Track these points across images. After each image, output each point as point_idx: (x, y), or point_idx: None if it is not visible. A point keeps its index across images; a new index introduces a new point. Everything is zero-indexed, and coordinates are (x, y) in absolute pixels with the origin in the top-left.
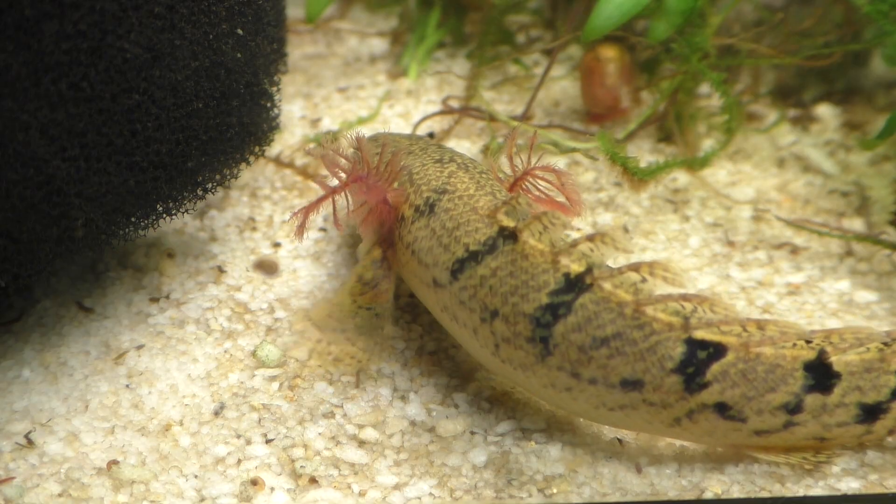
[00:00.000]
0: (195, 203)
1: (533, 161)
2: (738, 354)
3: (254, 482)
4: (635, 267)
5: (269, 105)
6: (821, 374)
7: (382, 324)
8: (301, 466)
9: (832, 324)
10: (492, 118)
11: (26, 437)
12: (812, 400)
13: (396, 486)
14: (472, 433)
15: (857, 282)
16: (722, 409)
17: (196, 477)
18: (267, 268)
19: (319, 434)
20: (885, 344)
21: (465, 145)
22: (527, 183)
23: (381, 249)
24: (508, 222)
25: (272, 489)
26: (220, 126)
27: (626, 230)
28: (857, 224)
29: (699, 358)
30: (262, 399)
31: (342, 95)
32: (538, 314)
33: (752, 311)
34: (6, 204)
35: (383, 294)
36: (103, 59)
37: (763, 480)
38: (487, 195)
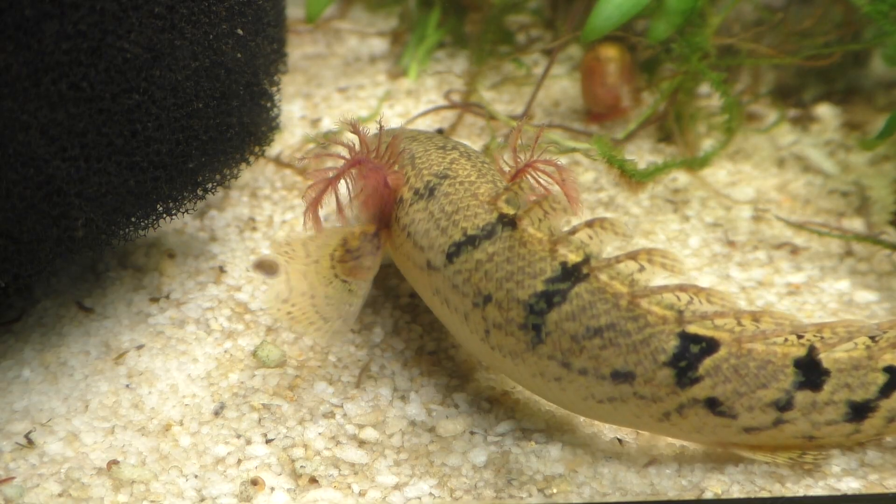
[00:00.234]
0: (195, 203)
1: (535, 156)
2: (731, 350)
3: (254, 482)
4: (633, 255)
5: (269, 105)
6: (811, 370)
7: (352, 301)
8: (301, 466)
9: None
10: (491, 118)
11: (26, 437)
12: (802, 397)
13: (396, 486)
14: (472, 433)
15: (857, 282)
16: (713, 404)
17: (196, 477)
18: (267, 268)
19: (319, 434)
20: (873, 340)
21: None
22: (528, 176)
23: (376, 227)
24: (508, 209)
25: (272, 489)
26: (220, 126)
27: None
28: (857, 224)
29: (692, 352)
30: (262, 399)
31: (342, 95)
32: (532, 301)
33: None
34: (6, 204)
35: (365, 271)
36: (103, 59)
37: (763, 480)
38: (489, 183)
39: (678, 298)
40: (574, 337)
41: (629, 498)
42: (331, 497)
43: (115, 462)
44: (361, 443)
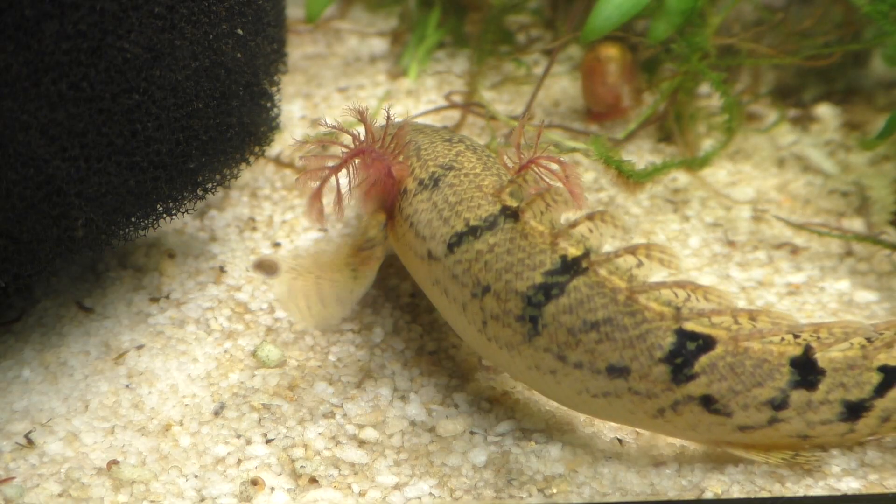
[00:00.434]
0: (195, 203)
1: (538, 153)
2: (727, 348)
3: (254, 482)
4: (632, 249)
5: (269, 105)
6: (806, 369)
7: (354, 289)
8: (301, 466)
9: None
10: (492, 118)
11: (26, 437)
12: (797, 396)
13: (396, 486)
14: (472, 433)
15: (857, 282)
16: (708, 402)
17: (196, 477)
18: (267, 268)
19: (319, 434)
20: (869, 340)
21: None
22: (531, 172)
23: (385, 215)
24: (512, 202)
25: (272, 489)
26: (220, 126)
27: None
28: (857, 224)
29: (688, 349)
30: (262, 399)
31: (342, 95)
32: (530, 293)
33: None
34: (6, 204)
35: (374, 260)
36: (103, 59)
37: (763, 480)
38: (494, 175)
39: (676, 295)
40: (571, 330)
41: (629, 498)
42: (331, 497)
43: (115, 462)
44: (361, 443)
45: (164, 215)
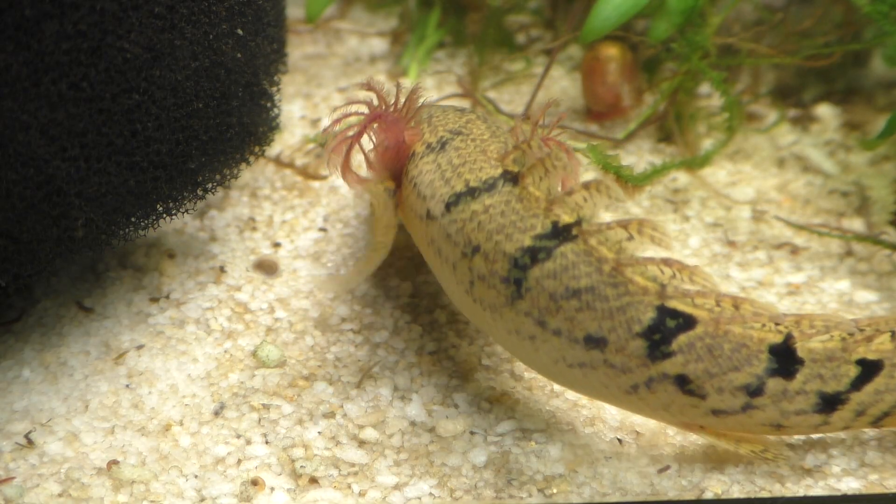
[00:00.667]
0: (195, 203)
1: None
2: (707, 329)
3: (254, 482)
4: (624, 223)
5: (269, 105)
6: (785, 358)
7: (373, 257)
8: (301, 466)
9: None
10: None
11: (26, 437)
12: (774, 384)
13: (396, 486)
14: (472, 433)
15: (857, 282)
16: (682, 381)
17: (196, 477)
18: (267, 268)
19: (319, 434)
20: (850, 333)
21: None
22: (537, 142)
23: (393, 183)
24: (514, 168)
25: (272, 489)
26: (220, 126)
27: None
28: (857, 224)
29: (667, 326)
30: (262, 399)
31: (342, 95)
32: (518, 255)
33: None
34: (6, 204)
35: (389, 228)
36: (103, 59)
37: (763, 480)
38: (500, 143)
39: (661, 272)
40: (552, 295)
41: (629, 498)
42: (331, 497)
43: (115, 462)
44: (361, 443)
45: (164, 215)
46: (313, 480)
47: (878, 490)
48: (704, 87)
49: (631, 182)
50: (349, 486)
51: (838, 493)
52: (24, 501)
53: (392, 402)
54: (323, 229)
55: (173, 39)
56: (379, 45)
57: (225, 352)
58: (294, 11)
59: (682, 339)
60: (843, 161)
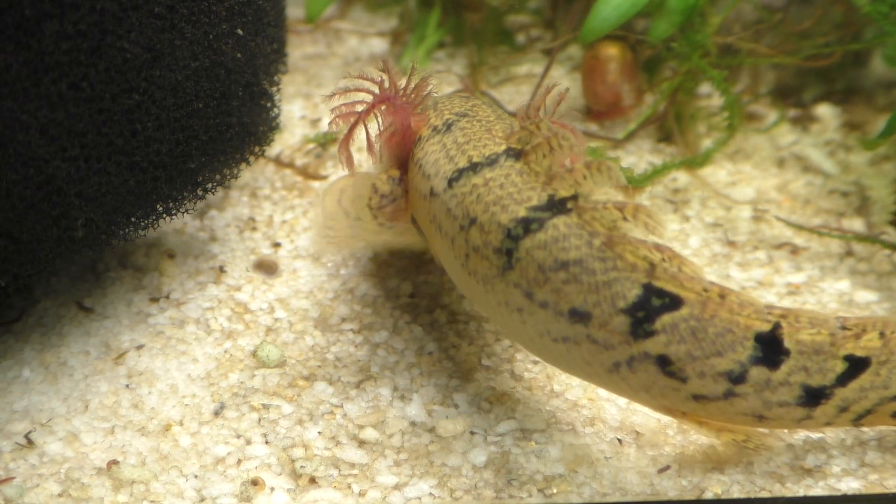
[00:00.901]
0: (195, 203)
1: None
2: (693, 311)
3: (254, 482)
4: (621, 206)
5: (269, 105)
6: (771, 347)
7: (384, 234)
8: (301, 466)
9: None
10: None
11: (26, 437)
12: (757, 373)
13: (396, 486)
14: (472, 433)
15: (857, 282)
16: (664, 362)
17: (196, 477)
18: (267, 268)
19: (319, 434)
20: (832, 334)
21: None
22: (545, 124)
23: (399, 171)
24: (518, 146)
25: (272, 489)
26: (220, 126)
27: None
28: (857, 224)
29: (652, 304)
30: (262, 399)
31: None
32: (511, 225)
33: None
34: (6, 204)
35: (402, 212)
36: (103, 59)
37: (763, 480)
38: (505, 125)
39: (651, 255)
40: (541, 266)
41: (629, 498)
42: (331, 497)
43: (115, 462)
44: (361, 443)
45: (164, 215)
46: (313, 480)
47: (878, 490)
48: (704, 87)
49: (631, 183)
50: (349, 486)
51: (838, 493)
52: (24, 501)
53: (392, 402)
54: None
55: (173, 39)
56: (379, 45)
57: (225, 352)
58: (294, 11)
59: (667, 318)
60: (843, 161)
